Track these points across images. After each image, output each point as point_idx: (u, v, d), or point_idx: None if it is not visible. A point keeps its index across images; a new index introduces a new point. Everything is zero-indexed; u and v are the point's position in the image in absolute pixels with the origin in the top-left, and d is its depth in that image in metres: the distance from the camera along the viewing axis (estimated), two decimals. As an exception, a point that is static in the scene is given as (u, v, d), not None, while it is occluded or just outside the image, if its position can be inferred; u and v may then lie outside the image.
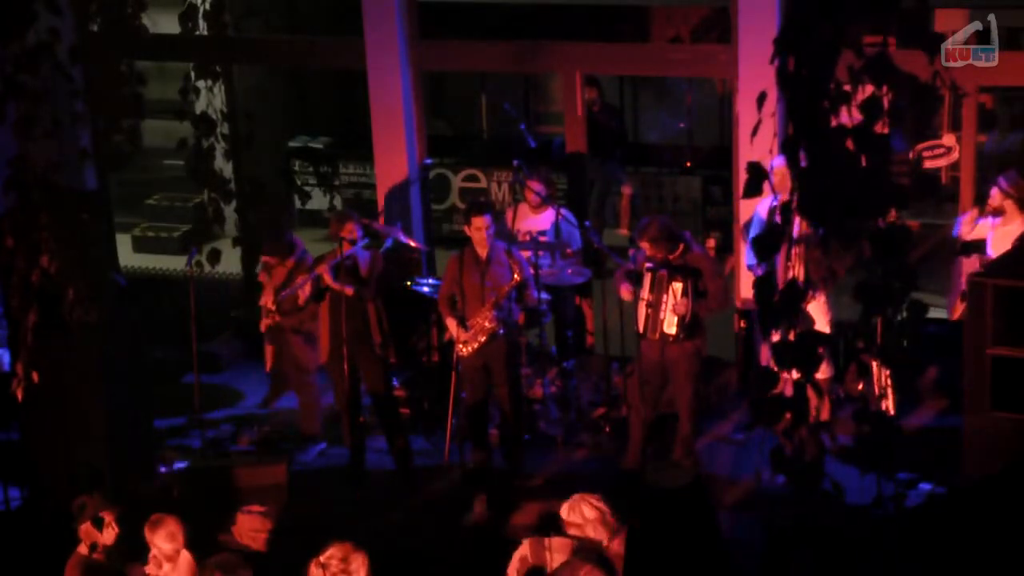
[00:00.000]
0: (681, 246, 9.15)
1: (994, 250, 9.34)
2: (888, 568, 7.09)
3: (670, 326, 9.13)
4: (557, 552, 6.82)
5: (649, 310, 9.19)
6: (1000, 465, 7.80)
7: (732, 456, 9.79)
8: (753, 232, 10.06)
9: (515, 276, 9.22)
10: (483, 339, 9.29)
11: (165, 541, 7.14)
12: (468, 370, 9.48)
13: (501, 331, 9.26)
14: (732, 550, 7.97)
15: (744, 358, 10.54)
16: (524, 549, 6.92)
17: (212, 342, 11.45)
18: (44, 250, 7.67)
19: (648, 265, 9.20)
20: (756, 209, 10.03)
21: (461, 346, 9.36)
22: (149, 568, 7.24)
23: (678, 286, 9.08)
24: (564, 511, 6.88)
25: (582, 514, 6.80)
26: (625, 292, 9.36)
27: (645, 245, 9.13)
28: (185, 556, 7.21)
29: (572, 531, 6.82)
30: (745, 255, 10.35)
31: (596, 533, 6.80)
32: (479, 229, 9.24)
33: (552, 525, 7.08)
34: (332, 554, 6.63)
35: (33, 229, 7.66)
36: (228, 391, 10.97)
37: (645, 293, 9.21)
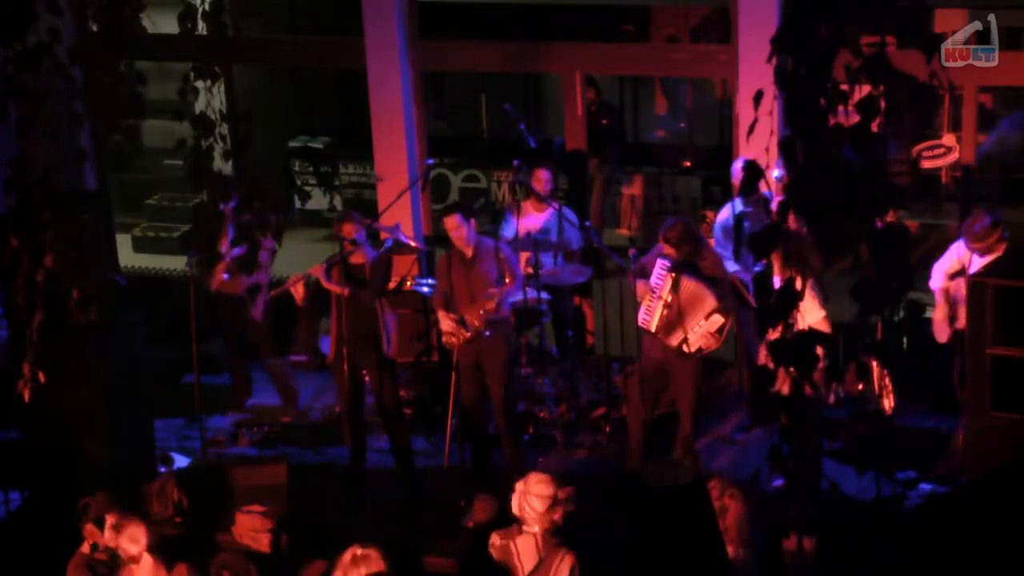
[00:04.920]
0: (690, 250, 9.13)
1: None
2: (888, 568, 7.08)
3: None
4: (523, 548, 6.94)
5: (652, 306, 9.18)
6: (1000, 465, 7.80)
7: (732, 456, 9.79)
8: (720, 236, 10.08)
9: (506, 280, 9.22)
10: (467, 336, 9.28)
11: (129, 543, 7.15)
12: (461, 367, 9.48)
13: (487, 333, 9.25)
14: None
15: (744, 358, 10.53)
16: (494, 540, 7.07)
17: (212, 342, 11.45)
18: (48, 250, 7.68)
19: (662, 262, 9.21)
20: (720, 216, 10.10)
21: (447, 337, 9.38)
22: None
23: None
24: (514, 508, 6.98)
25: (532, 508, 6.93)
26: (640, 286, 9.35)
27: (664, 244, 9.12)
28: (147, 560, 7.21)
29: (527, 526, 6.92)
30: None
31: (553, 515, 6.94)
32: (449, 231, 9.28)
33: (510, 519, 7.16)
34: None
35: (37, 229, 7.66)
36: (228, 391, 10.95)
37: (654, 288, 9.19)
